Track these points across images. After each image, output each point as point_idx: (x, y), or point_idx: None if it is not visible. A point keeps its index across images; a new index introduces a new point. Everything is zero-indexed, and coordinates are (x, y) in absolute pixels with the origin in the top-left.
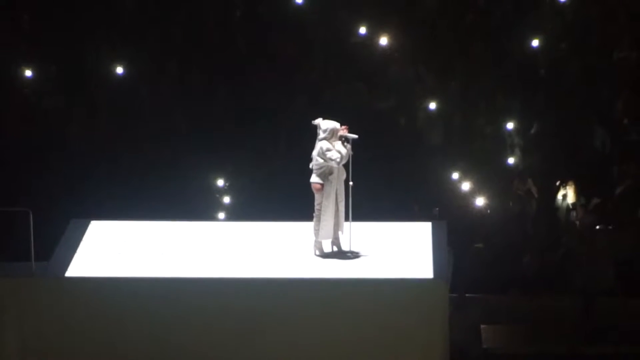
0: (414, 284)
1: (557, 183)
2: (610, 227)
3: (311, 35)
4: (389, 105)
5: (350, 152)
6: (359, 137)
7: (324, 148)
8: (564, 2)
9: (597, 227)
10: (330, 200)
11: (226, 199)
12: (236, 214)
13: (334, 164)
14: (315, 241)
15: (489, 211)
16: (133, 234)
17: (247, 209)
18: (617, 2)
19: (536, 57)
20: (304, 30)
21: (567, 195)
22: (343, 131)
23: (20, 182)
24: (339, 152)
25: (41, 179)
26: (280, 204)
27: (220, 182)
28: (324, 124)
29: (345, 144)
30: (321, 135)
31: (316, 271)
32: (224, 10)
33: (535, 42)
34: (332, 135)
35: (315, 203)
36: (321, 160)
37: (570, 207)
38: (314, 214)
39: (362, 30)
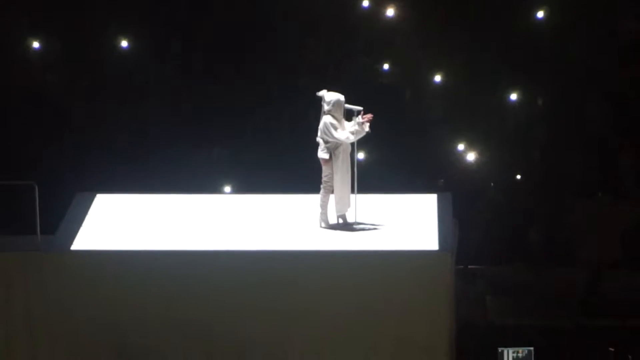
0: (419, 255)
1: (562, 155)
2: (614, 200)
3: (315, 8)
4: (394, 78)
5: (367, 130)
6: (363, 109)
7: (328, 124)
8: None
9: (602, 200)
10: (339, 175)
11: (232, 172)
12: (242, 187)
13: (339, 141)
14: (321, 213)
15: (492, 184)
16: (138, 207)
17: (252, 182)
18: None
19: (541, 29)
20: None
21: (572, 167)
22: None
23: (26, 156)
24: (348, 137)
25: (47, 153)
26: (286, 176)
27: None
28: (328, 96)
29: (359, 122)
30: (325, 107)
31: (322, 243)
32: None
33: (540, 14)
34: (336, 107)
35: (323, 175)
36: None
37: (575, 179)
38: (322, 186)
39: (365, 3)
